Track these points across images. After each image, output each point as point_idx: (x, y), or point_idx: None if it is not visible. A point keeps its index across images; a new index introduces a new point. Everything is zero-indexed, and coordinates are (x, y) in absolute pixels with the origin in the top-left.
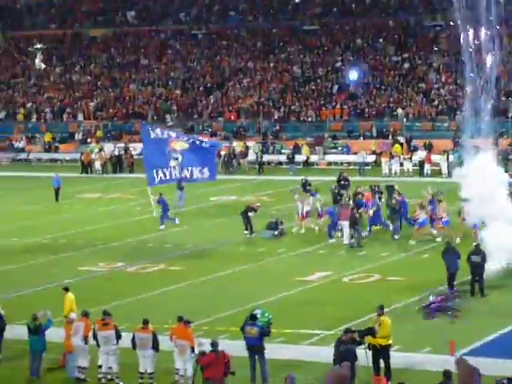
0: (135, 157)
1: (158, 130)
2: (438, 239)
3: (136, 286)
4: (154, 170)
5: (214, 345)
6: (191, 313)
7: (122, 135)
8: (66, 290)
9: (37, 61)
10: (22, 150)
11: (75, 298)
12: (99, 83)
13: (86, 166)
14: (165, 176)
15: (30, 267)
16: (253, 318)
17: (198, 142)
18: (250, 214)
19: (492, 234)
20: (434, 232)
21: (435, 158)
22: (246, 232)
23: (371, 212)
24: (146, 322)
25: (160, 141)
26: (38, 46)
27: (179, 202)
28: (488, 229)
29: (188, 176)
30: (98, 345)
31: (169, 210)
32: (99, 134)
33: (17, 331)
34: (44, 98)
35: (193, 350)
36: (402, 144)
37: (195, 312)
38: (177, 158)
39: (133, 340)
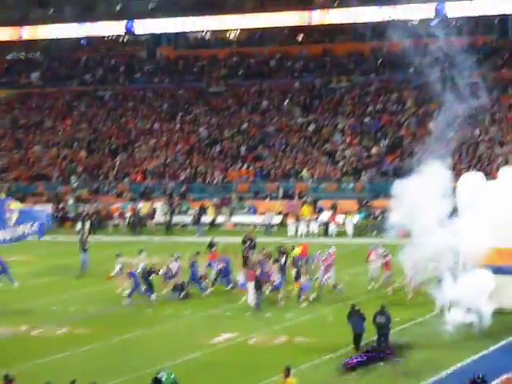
0: None
1: None
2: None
3: (40, 349)
4: None
5: None
6: (97, 376)
7: (26, 197)
8: None
9: None
10: None
11: None
12: (3, 145)
13: None
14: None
15: None
16: (157, 381)
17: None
18: (151, 276)
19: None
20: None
21: (340, 218)
22: (148, 294)
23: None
24: None
25: None
26: None
27: (83, 266)
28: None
29: (21, 233)
30: None
31: (7, 268)
32: (2, 196)
33: None
34: None
35: None
36: (308, 205)
37: (100, 375)
38: (4, 219)
39: None
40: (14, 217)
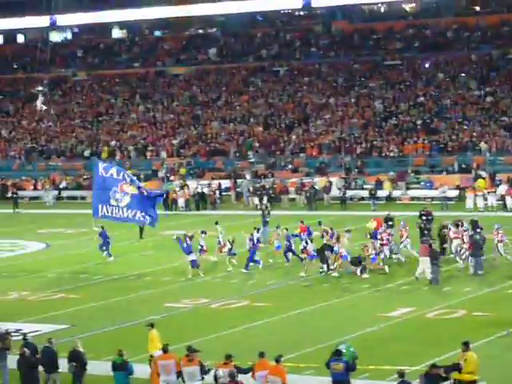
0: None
1: (114, 170)
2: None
3: (220, 322)
4: (100, 204)
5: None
6: (275, 349)
7: (204, 172)
8: (151, 326)
9: (38, 102)
10: None
11: (159, 335)
12: (182, 121)
13: (171, 203)
14: (107, 212)
15: (115, 304)
16: (338, 353)
17: (145, 192)
18: (326, 252)
19: None
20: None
21: None
22: (321, 269)
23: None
24: (228, 357)
25: (108, 178)
26: (40, 88)
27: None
28: None
29: (131, 216)
30: (184, 380)
31: (109, 243)
32: (182, 171)
33: (102, 367)
34: (127, 135)
35: None
36: (484, 178)
37: (279, 348)
38: (117, 199)
39: (215, 376)
40: (126, 200)
